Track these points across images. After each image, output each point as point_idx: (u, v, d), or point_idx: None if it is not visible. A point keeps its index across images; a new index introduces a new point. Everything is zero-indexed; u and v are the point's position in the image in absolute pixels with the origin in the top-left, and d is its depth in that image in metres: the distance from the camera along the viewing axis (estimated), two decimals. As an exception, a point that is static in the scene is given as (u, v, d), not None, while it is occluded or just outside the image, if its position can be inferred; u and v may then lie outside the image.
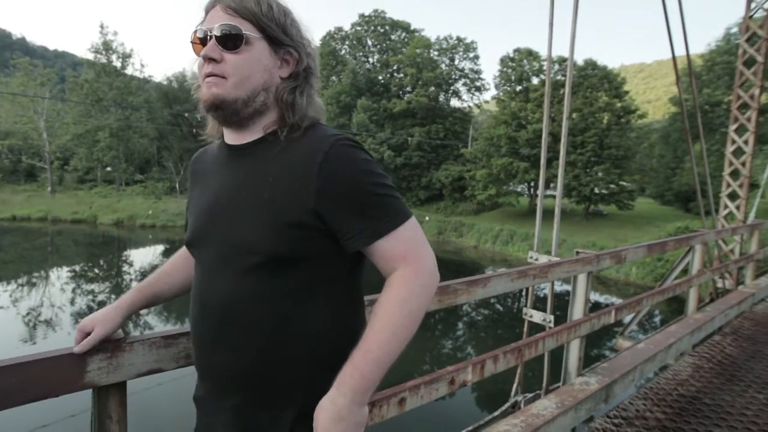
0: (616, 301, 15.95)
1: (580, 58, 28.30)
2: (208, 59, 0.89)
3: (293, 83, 0.94)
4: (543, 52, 30.50)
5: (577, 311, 2.90)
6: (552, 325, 3.26)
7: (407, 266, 0.88)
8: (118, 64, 37.24)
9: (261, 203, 0.88)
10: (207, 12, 0.92)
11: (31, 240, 25.10)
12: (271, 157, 0.91)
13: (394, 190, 0.91)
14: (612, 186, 25.45)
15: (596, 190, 25.75)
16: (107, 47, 36.88)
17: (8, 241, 24.81)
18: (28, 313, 12.52)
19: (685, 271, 4.87)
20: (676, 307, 13.26)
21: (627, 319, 5.38)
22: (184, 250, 1.16)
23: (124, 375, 1.09)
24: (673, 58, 5.29)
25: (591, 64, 27.18)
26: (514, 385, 3.50)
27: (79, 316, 12.63)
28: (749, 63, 8.01)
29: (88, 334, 1.02)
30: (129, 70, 38.15)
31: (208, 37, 0.89)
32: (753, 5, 7.76)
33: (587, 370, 3.01)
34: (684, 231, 17.22)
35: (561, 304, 3.16)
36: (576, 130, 25.16)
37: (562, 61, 26.58)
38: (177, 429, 6.13)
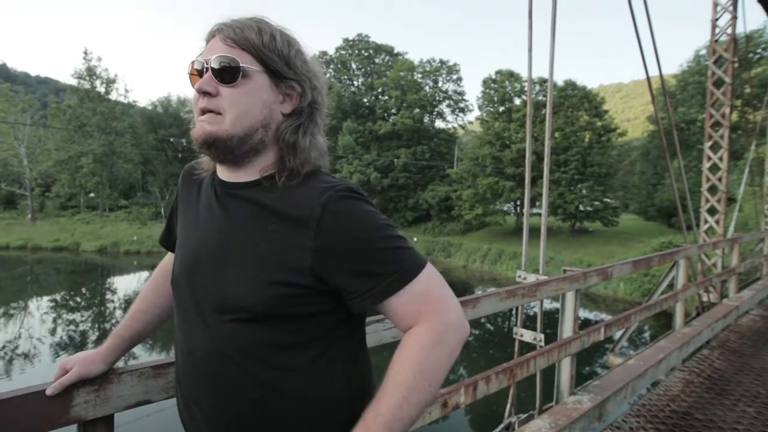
0: (606, 317, 16.03)
1: (560, 79, 29.07)
2: (203, 93, 0.82)
3: (296, 121, 0.87)
4: (524, 74, 31.30)
5: (566, 329, 2.92)
6: (543, 343, 3.26)
7: (423, 323, 0.80)
8: (102, 89, 37.18)
9: (253, 256, 0.81)
10: (207, 42, 0.86)
11: (9, 269, 24.40)
12: (267, 204, 0.83)
13: (403, 240, 0.83)
14: (596, 203, 25.92)
15: (581, 208, 26.18)
16: (91, 73, 36.83)
17: (-15, 271, 24.14)
18: (3, 347, 12.08)
19: (671, 286, 4.94)
20: (664, 321, 13.37)
21: (617, 335, 5.40)
22: (153, 282, 1.13)
23: (111, 408, 1.06)
24: (648, 78, 5.47)
25: (571, 85, 27.97)
26: (507, 406, 3.48)
27: (59, 347, 12.25)
28: (718, 83, 8.34)
29: (68, 371, 0.99)
30: (113, 96, 38.12)
31: (205, 69, 0.82)
32: (717, 30, 8.13)
33: (579, 388, 3.01)
34: (668, 246, 17.53)
35: (551, 322, 3.17)
36: (559, 149, 25.69)
37: (542, 81, 27.29)
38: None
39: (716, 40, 8.18)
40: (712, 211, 8.49)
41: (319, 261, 0.79)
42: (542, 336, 3.27)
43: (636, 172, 30.82)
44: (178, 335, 0.92)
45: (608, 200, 26.75)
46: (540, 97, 26.84)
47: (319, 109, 0.91)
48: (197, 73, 0.84)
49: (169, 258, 1.15)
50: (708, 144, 8.46)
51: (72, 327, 14.50)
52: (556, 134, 26.30)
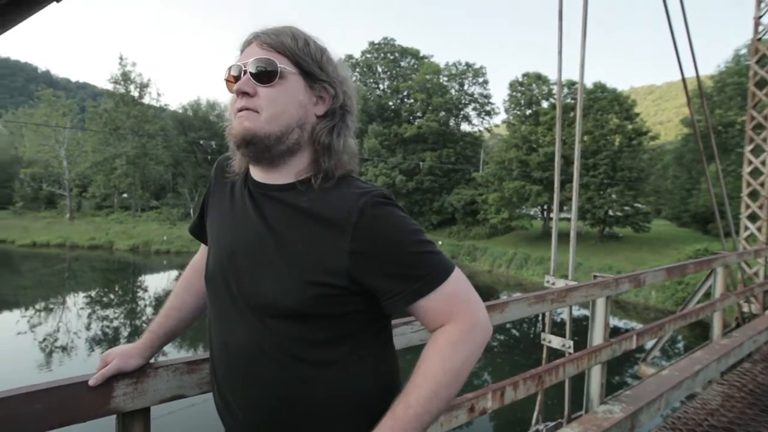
0: (636, 325, 15.56)
1: (588, 81, 28.50)
2: (242, 93, 0.86)
3: (330, 122, 0.90)
4: (551, 76, 30.81)
5: (596, 336, 2.85)
6: (571, 350, 3.19)
7: (452, 323, 0.85)
8: (135, 93, 38.50)
9: (290, 257, 0.84)
10: (243, 50, 0.91)
11: (50, 266, 25.51)
12: (303, 207, 0.86)
13: (432, 245, 0.87)
14: (626, 208, 25.20)
15: (610, 213, 25.50)
16: (126, 78, 38.18)
17: (27, 267, 25.27)
18: (44, 339, 12.63)
19: (707, 295, 4.76)
20: (699, 332, 12.89)
21: (649, 344, 5.23)
22: (185, 280, 1.16)
23: (148, 401, 1.09)
24: (683, 80, 5.31)
25: (600, 87, 27.33)
26: (535, 413, 3.42)
27: (93, 341, 12.69)
28: (761, 84, 8.00)
29: (108, 364, 1.03)
30: (146, 99, 39.43)
31: (243, 73, 0.86)
32: (761, 28, 7.80)
33: (610, 397, 2.93)
34: (704, 253, 16.88)
35: (578, 329, 3.10)
36: (588, 153, 25.14)
37: (571, 84, 26.78)
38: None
39: (759, 39, 7.85)
40: (753, 217, 8.14)
41: (355, 263, 0.82)
42: (571, 343, 3.20)
43: (669, 176, 29.79)
44: (213, 329, 0.95)
45: (639, 205, 25.97)
46: (568, 100, 26.36)
47: (350, 112, 0.94)
48: (233, 79, 0.88)
49: (200, 255, 1.18)
50: (749, 147, 8.12)
51: (106, 323, 15.01)
52: (585, 138, 25.75)
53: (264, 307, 0.85)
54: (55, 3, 0.91)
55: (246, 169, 0.96)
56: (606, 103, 26.59)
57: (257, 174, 0.93)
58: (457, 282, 0.87)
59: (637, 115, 27.25)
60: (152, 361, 1.12)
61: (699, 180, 25.57)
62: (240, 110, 0.86)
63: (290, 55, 0.86)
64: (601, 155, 25.30)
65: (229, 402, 0.91)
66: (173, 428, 6.24)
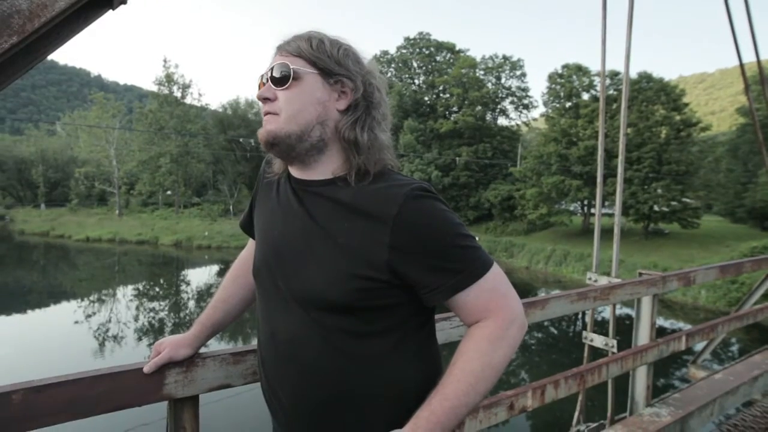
0: (683, 326, 14.87)
1: (633, 71, 27.28)
2: (263, 99, 0.91)
3: (352, 116, 0.91)
4: (592, 67, 29.75)
5: (642, 336, 2.74)
6: (615, 350, 3.09)
7: (489, 318, 0.86)
8: (178, 94, 39.91)
9: (332, 250, 0.86)
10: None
11: (102, 260, 26.97)
12: (344, 201, 0.88)
13: (473, 240, 0.87)
14: (673, 203, 24.02)
15: (656, 208, 24.40)
16: (169, 79, 39.65)
17: (82, 260, 26.82)
18: (98, 328, 13.40)
19: (766, 296, 4.49)
20: (757, 335, 12.19)
21: (698, 346, 4.98)
22: (233, 273, 1.20)
23: (197, 389, 1.14)
24: (741, 66, 4.99)
25: (645, 77, 26.13)
26: (576, 414, 3.33)
27: (141, 332, 13.32)
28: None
29: (160, 353, 1.09)
30: (188, 100, 40.82)
31: (266, 80, 0.92)
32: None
33: (657, 400, 2.82)
34: (762, 251, 15.92)
35: (620, 328, 3.00)
36: (631, 146, 24.13)
37: (614, 74, 25.76)
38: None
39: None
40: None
41: (395, 256, 0.83)
42: (615, 342, 3.09)
43: (722, 169, 28.14)
44: (261, 321, 0.98)
45: (688, 200, 24.69)
46: (611, 91, 25.35)
47: (377, 105, 0.94)
48: (263, 86, 0.95)
49: (248, 250, 1.21)
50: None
51: (152, 314, 15.72)
52: (629, 130, 24.72)
53: (308, 300, 0.87)
54: (111, 11, 0.96)
55: (287, 167, 1.00)
56: (652, 94, 25.39)
57: (296, 172, 0.97)
58: (496, 277, 0.88)
59: (686, 105, 25.87)
60: (201, 351, 1.17)
61: (756, 173, 24.08)
62: (265, 115, 0.92)
63: (306, 56, 0.90)
64: (645, 148, 24.21)
65: (275, 390, 0.94)
66: (222, 416, 6.49)
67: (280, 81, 0.90)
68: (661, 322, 15.11)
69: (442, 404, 0.81)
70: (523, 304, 1.90)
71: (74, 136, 45.35)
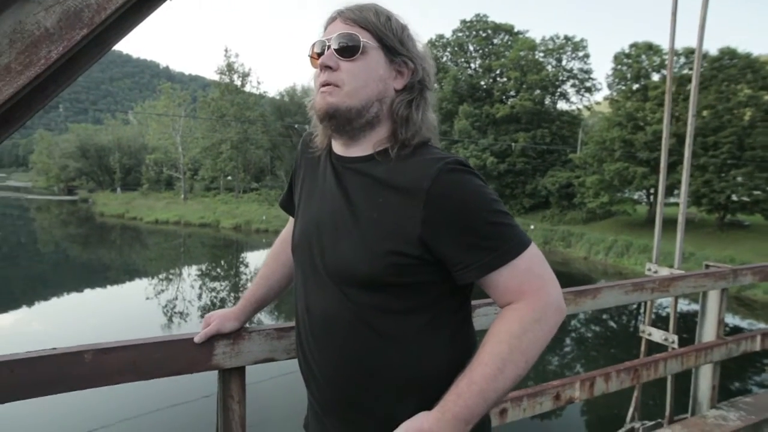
0: (760, 325, 13.72)
1: (713, 47, 24.99)
2: (325, 67, 0.88)
3: (408, 96, 0.91)
4: (665, 45, 27.58)
5: (707, 333, 2.57)
6: (676, 345, 2.91)
7: (523, 300, 0.83)
8: (238, 82, 41.29)
9: (367, 226, 0.86)
10: (326, 27, 0.93)
11: (169, 241, 28.87)
12: (379, 177, 0.88)
13: (509, 217, 0.84)
14: (756, 192, 21.94)
15: (734, 197, 22.43)
16: (230, 68, 41.11)
17: (152, 241, 28.84)
18: (166, 305, 14.43)
19: None
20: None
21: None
22: (274, 251, 1.23)
23: (243, 360, 1.21)
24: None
25: (728, 53, 23.80)
26: (630, 410, 3.19)
27: (204, 309, 14.18)
28: None
29: (210, 324, 1.16)
30: (247, 88, 42.09)
31: (326, 48, 0.89)
32: None
33: (724, 402, 2.64)
34: None
35: (683, 324, 2.81)
36: (707, 130, 22.25)
37: (689, 53, 23.74)
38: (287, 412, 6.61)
39: None
40: None
41: (428, 231, 0.82)
42: (675, 337, 2.92)
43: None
44: (298, 296, 1.01)
45: (774, 189, 22.45)
46: (685, 71, 23.43)
47: (429, 88, 0.95)
48: (317, 55, 0.92)
49: (288, 228, 1.24)
50: None
51: (213, 294, 16.67)
52: (705, 113, 22.77)
53: (343, 276, 0.88)
54: (169, 1, 1.01)
55: (328, 143, 1.00)
56: (735, 72, 23.11)
57: (338, 148, 0.97)
58: (532, 258, 0.84)
59: (778, 83, 23.32)
60: (247, 325, 1.23)
61: None
62: (323, 85, 0.89)
63: (372, 30, 0.88)
64: (724, 132, 22.19)
65: (310, 365, 0.97)
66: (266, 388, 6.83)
67: (347, 51, 0.87)
68: (737, 321, 14.01)
69: (470, 388, 0.80)
70: (573, 293, 1.85)
71: (145, 124, 48.45)
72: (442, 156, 0.85)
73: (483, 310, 1.50)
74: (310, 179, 1.04)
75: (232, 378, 1.21)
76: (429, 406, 0.84)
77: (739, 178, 22.05)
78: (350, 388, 0.91)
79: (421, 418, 0.82)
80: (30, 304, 13.88)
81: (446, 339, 0.90)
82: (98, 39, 1.08)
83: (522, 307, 0.83)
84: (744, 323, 13.98)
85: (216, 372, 1.20)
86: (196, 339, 1.13)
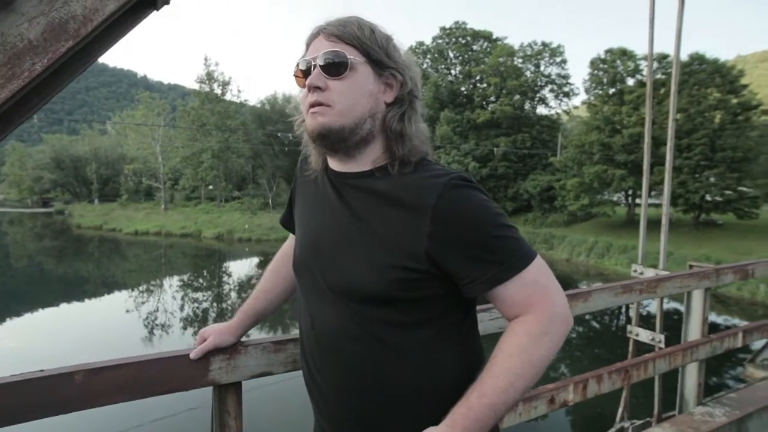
0: (739, 323, 14.07)
1: (683, 53, 25.80)
2: (313, 88, 0.86)
3: (399, 109, 0.90)
4: (638, 51, 28.35)
5: (692, 331, 2.62)
6: (662, 345, 2.96)
7: (530, 313, 0.83)
8: (218, 91, 40.93)
9: (370, 241, 0.85)
10: (309, 44, 0.91)
11: (149, 252, 28.28)
12: (382, 192, 0.87)
13: (514, 230, 0.85)
14: (728, 192, 22.64)
15: (708, 197, 23.09)
16: (210, 77, 40.73)
17: (132, 252, 28.21)
18: (147, 317, 14.08)
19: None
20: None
21: (757, 345, 4.70)
22: (274, 265, 1.21)
23: (239, 375, 1.18)
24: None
25: (697, 59, 24.63)
26: (620, 410, 3.23)
27: (186, 321, 13.90)
28: None
29: (206, 340, 1.13)
30: (228, 96, 41.72)
31: (312, 67, 0.86)
32: None
33: (709, 399, 2.69)
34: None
35: (667, 323, 2.86)
36: (681, 132, 22.88)
37: (661, 58, 24.47)
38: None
39: None
40: None
41: (434, 246, 0.82)
42: (662, 337, 2.97)
43: (786, 155, 26.16)
44: (302, 312, 0.99)
45: (745, 189, 23.19)
46: (658, 76, 24.10)
47: (418, 97, 0.93)
48: (302, 74, 0.90)
49: (289, 243, 1.23)
50: None
51: (196, 304, 16.36)
52: (678, 116, 23.43)
53: (347, 292, 0.87)
54: (155, 11, 0.99)
55: (324, 162, 0.99)
56: (705, 76, 23.90)
57: (335, 164, 0.95)
58: (538, 270, 0.84)
59: (745, 87, 24.19)
60: (242, 339, 1.21)
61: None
62: (312, 105, 0.87)
63: (358, 45, 0.86)
64: (696, 134, 22.90)
65: (316, 379, 0.96)
66: (263, 404, 6.71)
67: (334, 69, 0.85)
68: (713, 317, 14.36)
69: (480, 401, 0.80)
70: (566, 296, 1.87)
71: (123, 134, 47.52)
72: (446, 171, 0.85)
73: (478, 317, 1.50)
74: (309, 197, 1.03)
75: (229, 393, 1.18)
76: (437, 417, 0.83)
77: (712, 179, 22.74)
78: (358, 402, 0.89)
79: None
80: (1, 320, 13.42)
81: (453, 351, 0.90)
82: (83, 51, 1.05)
83: (530, 320, 0.83)
84: (720, 319, 14.33)
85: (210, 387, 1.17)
86: (192, 355, 1.10)
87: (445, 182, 0.82)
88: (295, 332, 1.13)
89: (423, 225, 0.81)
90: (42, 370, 0.99)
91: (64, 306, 15.74)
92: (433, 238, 0.81)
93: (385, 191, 0.87)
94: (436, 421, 0.82)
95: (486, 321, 1.53)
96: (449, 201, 0.81)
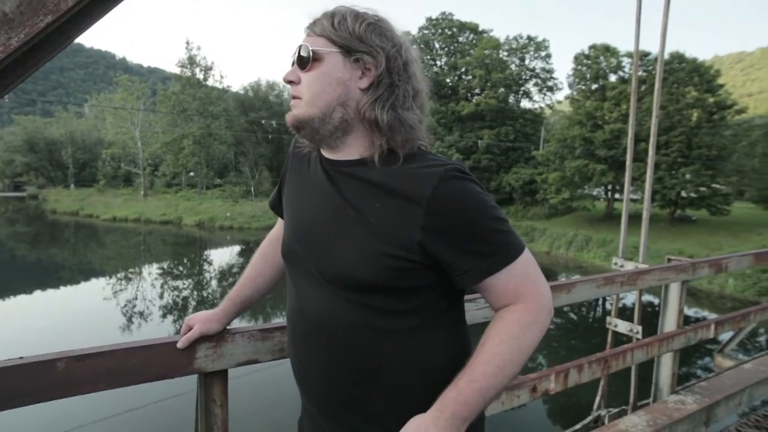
0: (708, 315, 14.55)
1: (665, 51, 26.27)
2: (289, 82, 0.91)
3: (373, 95, 0.87)
4: (620, 48, 28.73)
5: (669, 323, 2.69)
6: (640, 336, 3.04)
7: (519, 303, 0.85)
8: (200, 76, 40.02)
9: (363, 230, 0.85)
10: None
11: (128, 239, 27.73)
12: (375, 181, 0.86)
13: (506, 223, 0.86)
14: (702, 189, 23.27)
15: (683, 194, 23.69)
16: (192, 61, 39.78)
17: (110, 239, 27.63)
18: (125, 305, 13.84)
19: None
20: (787, 326, 11.84)
21: (725, 336, 4.87)
22: (262, 251, 1.20)
23: (225, 363, 1.17)
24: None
25: (677, 57, 25.10)
26: (597, 398, 3.32)
27: (165, 309, 13.72)
28: None
29: (191, 328, 1.12)
30: (210, 82, 40.84)
31: (292, 63, 0.91)
32: None
33: (681, 388, 2.78)
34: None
35: (644, 315, 2.94)
36: (660, 129, 23.20)
37: (643, 56, 24.86)
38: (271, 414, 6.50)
39: None
40: None
41: (428, 238, 0.82)
42: (640, 328, 3.05)
43: (757, 154, 26.91)
44: (291, 298, 0.99)
45: (718, 186, 23.88)
46: (640, 72, 24.48)
47: (404, 80, 0.89)
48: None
49: (277, 229, 1.21)
50: None
51: (176, 292, 16.15)
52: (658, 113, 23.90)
53: (339, 279, 0.87)
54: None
55: (318, 150, 0.99)
56: (683, 75, 24.40)
57: (326, 153, 0.95)
58: (527, 263, 0.87)
59: (721, 86, 24.82)
60: (229, 327, 1.19)
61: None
62: (292, 99, 0.92)
63: (327, 35, 0.87)
64: (674, 132, 23.42)
65: (304, 365, 0.95)
66: (250, 391, 6.69)
67: (302, 63, 0.89)
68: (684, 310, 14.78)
69: (470, 385, 0.81)
70: (550, 287, 1.90)
71: (101, 118, 46.25)
72: (442, 162, 0.86)
73: (465, 307, 1.51)
74: (301, 181, 1.01)
75: (215, 381, 1.17)
76: (425, 403, 0.83)
77: (688, 176, 23.33)
78: (346, 388, 0.90)
79: (417, 421, 0.82)
80: (-29, 307, 13.06)
81: (442, 338, 0.91)
82: (62, 27, 1.01)
83: (519, 309, 0.85)
84: (691, 312, 14.79)
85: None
86: (179, 344, 1.09)
87: (440, 174, 0.82)
88: (279, 320, 1.12)
89: (417, 216, 0.81)
90: (22, 358, 0.96)
91: (38, 293, 15.37)
92: (427, 230, 0.82)
93: (379, 181, 0.86)
94: (425, 407, 0.83)
95: (472, 311, 1.54)
96: (444, 193, 0.81)
